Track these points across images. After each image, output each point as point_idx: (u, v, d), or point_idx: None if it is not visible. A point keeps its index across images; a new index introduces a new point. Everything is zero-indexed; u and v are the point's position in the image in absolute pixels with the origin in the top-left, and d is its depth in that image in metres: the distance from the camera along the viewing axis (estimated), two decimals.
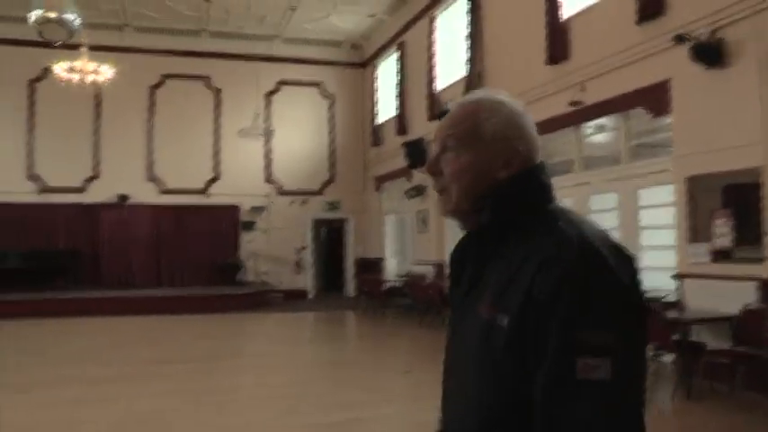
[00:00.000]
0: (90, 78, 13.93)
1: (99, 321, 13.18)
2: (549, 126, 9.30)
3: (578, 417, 1.03)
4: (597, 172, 9.53)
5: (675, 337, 6.52)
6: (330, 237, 19.87)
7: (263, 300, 16.46)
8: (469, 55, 12.43)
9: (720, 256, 7.03)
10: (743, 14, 6.80)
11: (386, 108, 17.48)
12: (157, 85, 17.61)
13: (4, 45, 15.97)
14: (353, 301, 16.88)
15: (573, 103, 9.34)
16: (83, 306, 14.32)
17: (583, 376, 1.02)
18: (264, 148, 18.16)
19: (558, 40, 9.82)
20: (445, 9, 14.36)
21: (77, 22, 10.73)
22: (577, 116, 9.48)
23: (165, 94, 17.61)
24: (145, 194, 17.30)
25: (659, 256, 8.16)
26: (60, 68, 13.76)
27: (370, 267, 17.79)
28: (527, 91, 9.80)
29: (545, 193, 1.25)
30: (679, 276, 7.59)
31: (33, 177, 16.64)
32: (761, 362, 6.11)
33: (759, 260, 6.55)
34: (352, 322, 14.56)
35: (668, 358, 7.16)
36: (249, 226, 17.99)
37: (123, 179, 17.02)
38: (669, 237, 7.91)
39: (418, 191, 14.52)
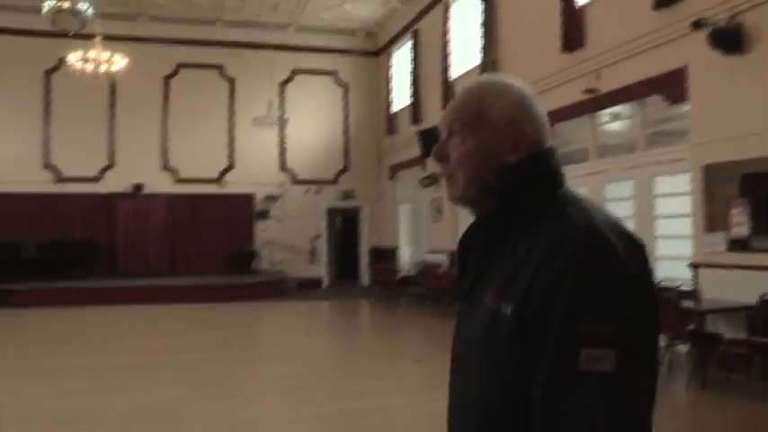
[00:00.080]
0: (104, 68, 13.98)
1: (115, 310, 13.27)
2: (564, 114, 9.22)
3: (580, 413, 0.98)
4: (613, 160, 9.44)
5: (691, 327, 6.46)
6: (344, 226, 19.87)
7: (277, 289, 16.49)
8: (484, 43, 12.33)
9: (737, 245, 6.95)
10: None
11: (400, 96, 17.41)
12: (172, 75, 17.65)
13: (19, 36, 16.06)
14: (367, 290, 16.90)
15: (588, 91, 9.24)
16: (99, 295, 14.43)
17: (585, 368, 0.98)
18: (279, 137, 18.15)
19: (573, 27, 9.71)
20: None
21: (90, 11, 10.80)
22: (593, 104, 9.38)
23: (180, 84, 17.65)
24: (160, 184, 17.38)
25: (675, 245, 8.09)
26: (74, 58, 13.80)
27: (385, 256, 17.78)
28: (542, 79, 9.72)
29: (555, 177, 1.21)
30: (695, 266, 7.52)
31: (49, 167, 16.76)
32: None
33: None
34: (365, 311, 14.58)
35: (683, 348, 7.09)
36: (264, 215, 18.02)
37: (138, 169, 17.11)
38: (685, 226, 7.82)
39: (432, 180, 14.46)
